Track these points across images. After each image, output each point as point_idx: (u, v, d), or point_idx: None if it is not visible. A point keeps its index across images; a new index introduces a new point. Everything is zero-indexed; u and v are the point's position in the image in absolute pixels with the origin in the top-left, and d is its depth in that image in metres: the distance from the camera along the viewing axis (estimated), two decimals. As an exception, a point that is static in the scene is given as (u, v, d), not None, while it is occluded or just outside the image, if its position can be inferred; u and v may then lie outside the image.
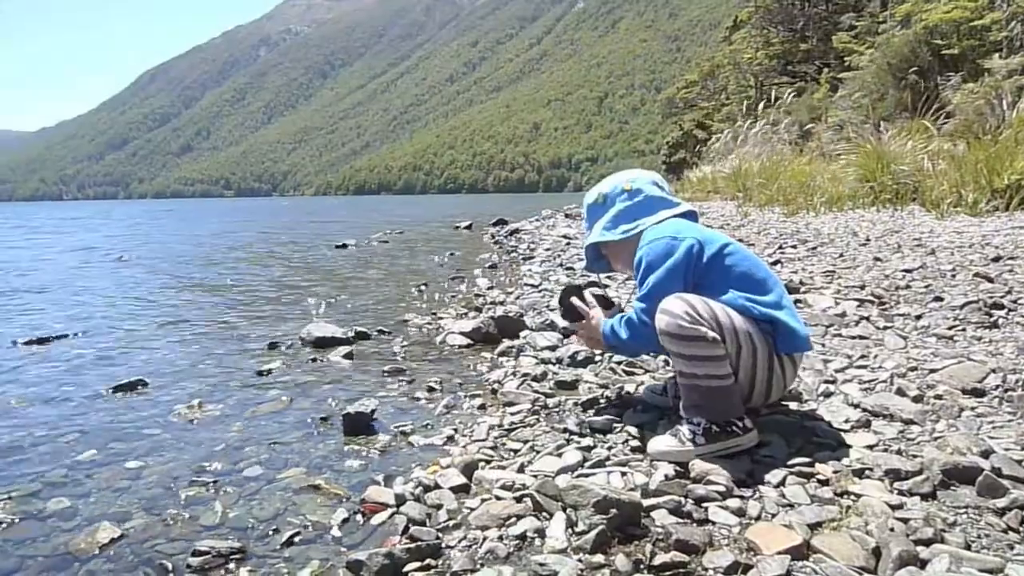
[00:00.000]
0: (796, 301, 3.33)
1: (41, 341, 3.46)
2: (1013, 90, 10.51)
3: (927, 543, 1.21)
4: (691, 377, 1.63)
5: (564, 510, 1.38)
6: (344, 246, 9.04)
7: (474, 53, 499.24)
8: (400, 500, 1.53)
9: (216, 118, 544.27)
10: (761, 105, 18.23)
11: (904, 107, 12.97)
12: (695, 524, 1.34)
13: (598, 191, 2.04)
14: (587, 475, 1.56)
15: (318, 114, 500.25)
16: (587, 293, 2.03)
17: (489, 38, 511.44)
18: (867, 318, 2.94)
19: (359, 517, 1.50)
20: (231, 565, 1.33)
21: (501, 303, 4.06)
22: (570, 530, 1.32)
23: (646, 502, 1.40)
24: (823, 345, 2.57)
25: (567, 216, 13.66)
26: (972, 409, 1.86)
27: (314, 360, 2.84)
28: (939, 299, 3.24)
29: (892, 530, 1.26)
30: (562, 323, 1.96)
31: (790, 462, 1.56)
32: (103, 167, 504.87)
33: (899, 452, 1.61)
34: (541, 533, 1.33)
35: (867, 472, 1.50)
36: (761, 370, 1.70)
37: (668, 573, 1.20)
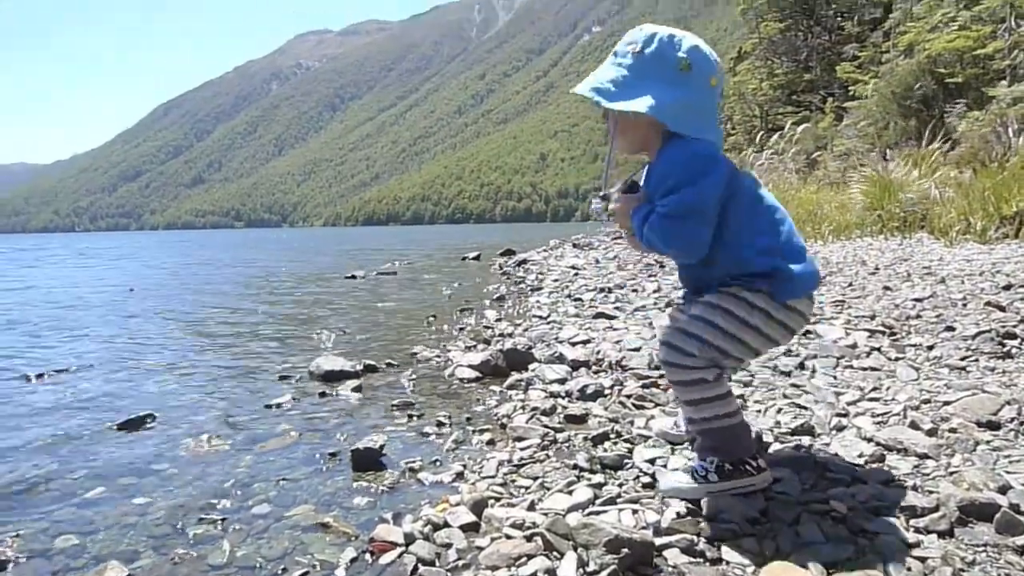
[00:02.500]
0: (806, 332, 3.32)
1: (52, 374, 3.47)
2: (1019, 117, 10.54)
3: (946, 583, 1.19)
4: (700, 422, 1.61)
5: (575, 549, 1.36)
6: (353, 277, 9.08)
7: (482, 86, 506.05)
8: (409, 539, 1.51)
9: (228, 150, 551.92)
10: (766, 134, 18.34)
11: (910, 135, 13.02)
12: (708, 563, 1.32)
13: (688, 56, 1.55)
14: (598, 512, 1.54)
15: (328, 146, 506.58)
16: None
17: (496, 71, 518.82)
18: (878, 349, 2.92)
19: (368, 556, 1.48)
20: (239, 606, 1.32)
21: (510, 335, 4.05)
22: (581, 570, 1.30)
23: (658, 541, 1.38)
24: (835, 377, 2.55)
25: (575, 246, 13.68)
26: (987, 443, 1.83)
27: (323, 394, 2.84)
28: (951, 329, 3.22)
29: (910, 570, 1.23)
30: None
31: (804, 499, 1.54)
32: (116, 199, 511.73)
33: (915, 488, 1.59)
34: (552, 573, 1.31)
35: (883, 509, 1.48)
36: (768, 341, 1.64)
37: (681, 615, 1.18)
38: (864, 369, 2.64)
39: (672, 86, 1.55)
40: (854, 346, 2.98)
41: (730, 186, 1.55)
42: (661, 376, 2.72)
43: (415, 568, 1.39)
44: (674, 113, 1.55)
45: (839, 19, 21.54)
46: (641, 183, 1.70)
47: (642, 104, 1.54)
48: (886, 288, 4.60)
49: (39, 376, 3.44)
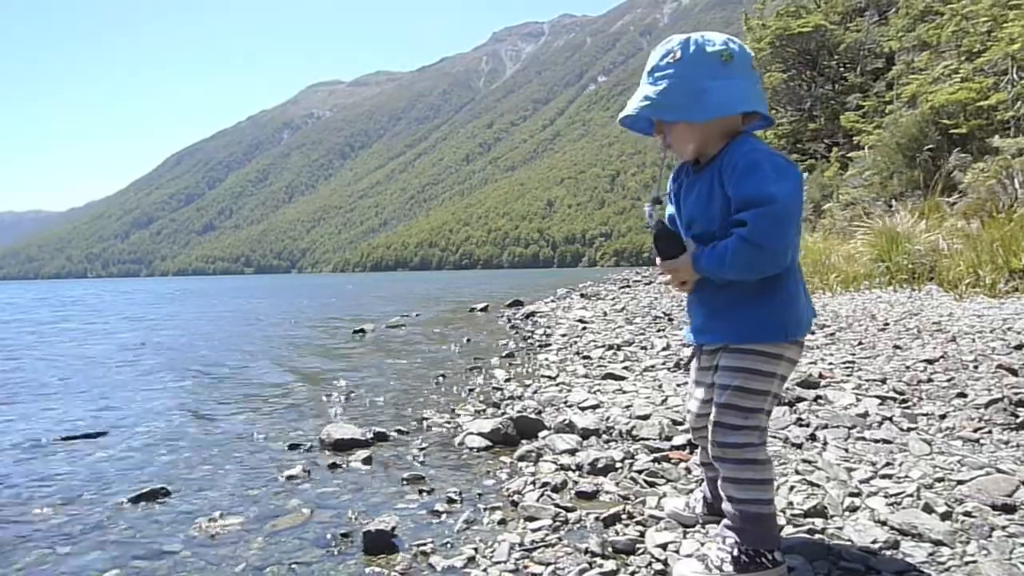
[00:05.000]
0: (817, 398, 3.32)
1: (65, 440, 3.49)
2: (1024, 168, 10.61)
3: None
4: (738, 502, 1.63)
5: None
6: (362, 331, 9.12)
7: (489, 134, 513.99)
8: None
9: (239, 198, 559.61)
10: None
11: (915, 185, 13.11)
12: (723, 666, 1.31)
13: (726, 47, 1.60)
14: (611, 606, 1.53)
15: (337, 193, 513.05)
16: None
17: (504, 120, 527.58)
18: (890, 419, 2.91)
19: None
20: None
21: (519, 397, 4.06)
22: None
23: (672, 640, 1.37)
24: (846, 451, 2.54)
25: (583, 296, 13.72)
26: (1003, 528, 1.82)
27: (333, 465, 2.84)
28: (963, 395, 3.21)
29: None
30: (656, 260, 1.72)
31: (818, 592, 1.53)
32: (128, 245, 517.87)
33: (930, 581, 1.58)
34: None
35: (898, 605, 1.47)
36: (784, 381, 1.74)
37: None
38: (876, 441, 2.63)
39: (721, 79, 1.59)
40: (865, 415, 2.98)
41: None
42: (672, 448, 2.72)
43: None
44: (739, 100, 1.60)
45: (842, 70, 21.88)
46: (667, 198, 1.77)
47: (715, 108, 1.58)
48: (896, 347, 4.60)
49: (52, 442, 3.46)
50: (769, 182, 1.50)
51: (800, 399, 3.28)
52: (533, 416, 3.27)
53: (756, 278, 1.59)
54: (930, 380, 3.60)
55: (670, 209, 1.84)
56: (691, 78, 1.59)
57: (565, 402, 3.72)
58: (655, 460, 2.56)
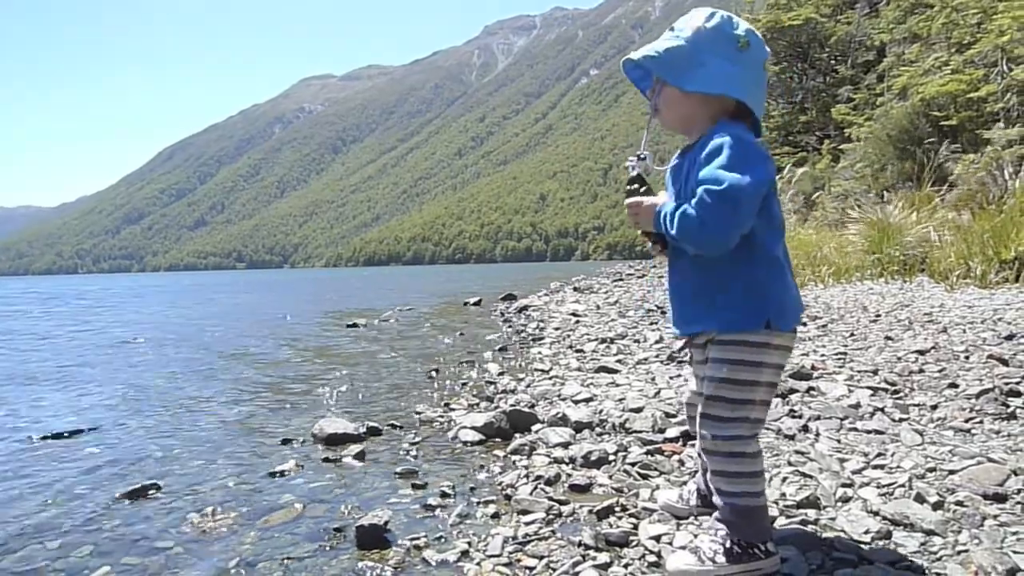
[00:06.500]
0: (809, 389, 3.32)
1: (56, 436, 3.47)
2: (1014, 160, 10.66)
3: None
4: (728, 495, 1.63)
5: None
6: (354, 325, 9.09)
7: (481, 128, 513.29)
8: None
9: (231, 192, 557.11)
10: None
11: (907, 177, 13.16)
12: (717, 657, 1.31)
13: (747, 36, 1.59)
14: (605, 599, 1.53)
15: (329, 188, 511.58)
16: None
17: (496, 113, 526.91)
18: (882, 409, 2.92)
19: (374, 646, 1.47)
20: None
21: (512, 391, 4.05)
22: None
23: (666, 632, 1.37)
24: (839, 442, 2.54)
25: (576, 290, 13.72)
26: (995, 517, 1.83)
27: (326, 460, 2.83)
28: (954, 386, 3.22)
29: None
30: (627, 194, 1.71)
31: (811, 583, 1.54)
32: (119, 241, 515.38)
33: (923, 571, 1.58)
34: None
35: (891, 595, 1.47)
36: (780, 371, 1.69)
37: None
38: (868, 432, 2.63)
39: (730, 62, 1.58)
40: (857, 406, 2.98)
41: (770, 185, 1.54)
42: (665, 440, 2.72)
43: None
44: (735, 85, 1.58)
45: (833, 62, 21.90)
46: (651, 163, 1.73)
47: (706, 82, 1.57)
48: (888, 338, 4.62)
49: (43, 438, 3.44)
50: (726, 168, 1.48)
51: (793, 390, 3.29)
52: (526, 410, 3.27)
53: (699, 251, 1.58)
54: (921, 371, 3.62)
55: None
56: (700, 47, 1.59)
57: (558, 395, 3.72)
58: (648, 453, 2.56)
